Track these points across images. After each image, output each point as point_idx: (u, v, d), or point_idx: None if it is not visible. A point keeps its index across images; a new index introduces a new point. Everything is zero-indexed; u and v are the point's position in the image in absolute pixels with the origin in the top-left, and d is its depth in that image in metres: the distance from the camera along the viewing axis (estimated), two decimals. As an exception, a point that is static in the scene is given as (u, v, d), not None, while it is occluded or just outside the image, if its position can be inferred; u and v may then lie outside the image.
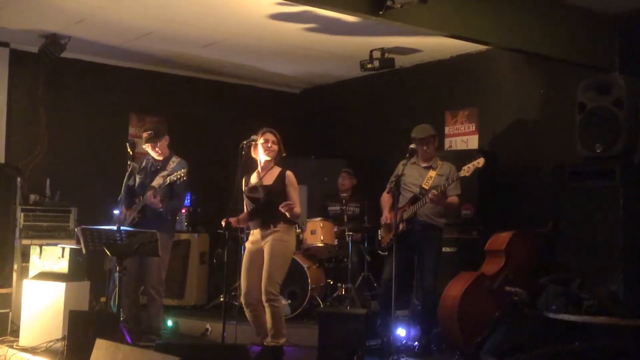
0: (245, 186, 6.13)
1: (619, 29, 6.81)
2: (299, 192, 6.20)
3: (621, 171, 5.90)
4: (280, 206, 5.74)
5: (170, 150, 6.67)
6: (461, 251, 7.35)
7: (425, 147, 6.52)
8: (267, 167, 6.06)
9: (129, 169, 6.40)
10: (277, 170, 6.05)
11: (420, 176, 6.50)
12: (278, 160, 6.11)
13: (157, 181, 6.41)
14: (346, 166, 8.99)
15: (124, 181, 6.37)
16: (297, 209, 5.88)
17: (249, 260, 6.01)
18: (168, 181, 6.25)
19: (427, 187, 6.38)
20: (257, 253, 5.97)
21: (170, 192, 6.38)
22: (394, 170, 6.42)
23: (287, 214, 5.76)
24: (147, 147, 6.57)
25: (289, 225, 5.98)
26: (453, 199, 6.45)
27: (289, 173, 6.04)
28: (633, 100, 6.04)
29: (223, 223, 5.95)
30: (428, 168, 6.53)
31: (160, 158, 6.57)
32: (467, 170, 6.18)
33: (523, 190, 7.46)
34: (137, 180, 6.55)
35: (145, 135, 6.60)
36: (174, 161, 6.57)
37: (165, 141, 6.62)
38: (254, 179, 6.11)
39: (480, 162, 6.13)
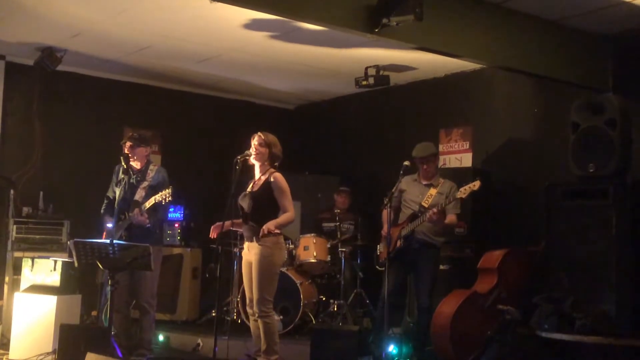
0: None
1: (613, 50, 6.86)
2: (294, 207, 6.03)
3: (614, 191, 5.92)
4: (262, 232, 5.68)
5: (148, 159, 6.60)
6: (454, 269, 7.33)
7: (425, 166, 6.54)
8: (262, 172, 5.95)
9: (123, 182, 6.39)
10: (268, 175, 5.89)
11: (421, 194, 6.51)
12: (275, 164, 5.96)
13: (140, 194, 6.31)
14: (340, 182, 9.01)
15: (119, 191, 6.37)
16: (286, 218, 5.77)
17: (245, 271, 5.97)
18: (153, 201, 6.13)
19: (426, 205, 6.39)
20: (248, 264, 5.92)
21: (154, 205, 6.26)
22: (388, 187, 6.44)
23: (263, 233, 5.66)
24: (125, 147, 6.44)
25: (274, 237, 5.81)
26: (452, 218, 6.45)
27: (275, 175, 5.84)
28: (626, 120, 6.08)
29: (212, 233, 5.88)
30: (429, 186, 6.55)
31: (138, 166, 6.51)
32: (463, 192, 6.21)
33: (516, 208, 7.47)
34: (119, 193, 6.42)
35: (130, 134, 6.56)
36: (152, 169, 6.49)
37: (144, 151, 6.50)
38: (250, 187, 6.02)
39: (476, 184, 6.16)
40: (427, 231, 6.44)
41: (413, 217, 6.43)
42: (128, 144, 6.44)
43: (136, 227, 6.26)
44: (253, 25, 6.87)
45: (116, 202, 6.42)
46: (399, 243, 6.37)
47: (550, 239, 6.35)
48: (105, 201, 6.60)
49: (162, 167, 6.64)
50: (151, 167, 6.52)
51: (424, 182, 6.58)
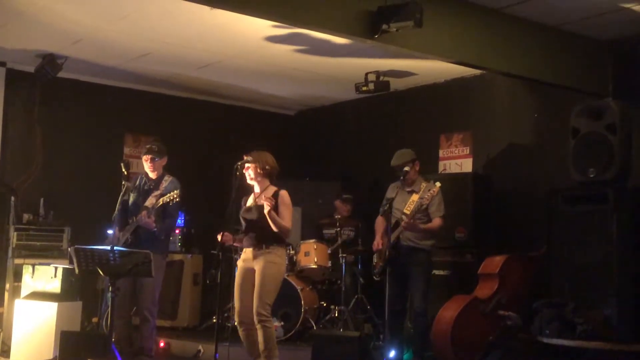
0: (244, 205, 6.15)
1: (613, 55, 6.87)
2: (294, 213, 6.17)
3: (614, 196, 5.92)
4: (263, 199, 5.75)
5: (164, 170, 6.66)
6: (455, 274, 7.33)
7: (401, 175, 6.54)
8: (262, 188, 6.07)
9: (124, 189, 6.40)
10: (272, 190, 6.01)
11: (404, 201, 6.49)
12: (271, 178, 6.07)
13: (150, 201, 6.36)
14: (340, 188, 9.00)
15: (119, 200, 6.37)
16: (284, 223, 5.87)
17: (241, 279, 6.00)
18: (161, 202, 6.20)
19: (408, 212, 6.37)
20: (249, 272, 5.95)
21: (163, 212, 6.34)
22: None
23: (267, 208, 5.72)
24: (146, 160, 6.47)
25: (280, 246, 5.95)
26: (436, 221, 6.44)
27: (282, 192, 6.01)
28: (626, 125, 6.08)
29: (219, 237, 5.91)
30: (411, 192, 6.53)
31: (154, 176, 6.55)
32: (427, 198, 6.29)
33: (517, 213, 7.47)
34: (131, 198, 6.50)
35: (148, 147, 6.56)
36: (167, 180, 6.53)
37: (164, 161, 6.58)
38: (250, 200, 6.11)
39: (435, 189, 6.31)
40: (412, 237, 6.44)
41: (396, 225, 6.44)
42: (149, 157, 6.46)
43: (143, 230, 6.27)
44: (253, 31, 6.89)
45: (117, 208, 6.41)
46: (387, 252, 6.37)
47: (551, 244, 6.35)
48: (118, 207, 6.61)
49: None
50: (166, 177, 6.56)
51: (407, 189, 6.56)
